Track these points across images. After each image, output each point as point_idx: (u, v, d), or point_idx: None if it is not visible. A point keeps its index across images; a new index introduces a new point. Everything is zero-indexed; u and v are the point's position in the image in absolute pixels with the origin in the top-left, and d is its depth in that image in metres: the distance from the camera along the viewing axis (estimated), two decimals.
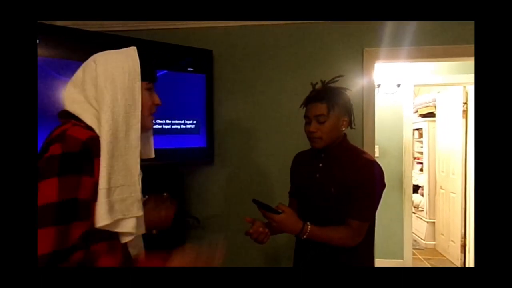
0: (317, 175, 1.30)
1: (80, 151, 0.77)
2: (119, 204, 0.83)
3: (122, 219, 0.84)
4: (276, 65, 2.30)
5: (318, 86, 1.32)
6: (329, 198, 1.26)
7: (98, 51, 0.91)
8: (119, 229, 0.84)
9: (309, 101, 1.29)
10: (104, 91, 0.83)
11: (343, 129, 1.29)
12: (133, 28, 2.25)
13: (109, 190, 0.81)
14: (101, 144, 0.81)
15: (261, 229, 1.24)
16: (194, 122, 2.18)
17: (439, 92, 3.96)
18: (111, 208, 0.81)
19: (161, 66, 2.05)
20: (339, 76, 1.34)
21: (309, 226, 1.18)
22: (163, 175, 1.99)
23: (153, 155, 1.01)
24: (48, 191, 0.73)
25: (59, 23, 1.77)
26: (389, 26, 2.20)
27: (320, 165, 1.31)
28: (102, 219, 0.79)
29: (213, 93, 2.27)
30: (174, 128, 2.10)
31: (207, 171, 2.34)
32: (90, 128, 0.82)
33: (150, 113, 0.94)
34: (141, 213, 0.88)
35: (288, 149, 1.52)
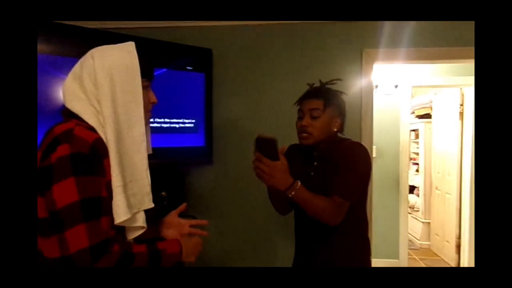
0: (312, 173, 1.32)
1: (89, 152, 0.78)
2: (132, 198, 0.85)
3: (136, 213, 0.86)
4: (276, 65, 2.30)
5: (316, 85, 1.35)
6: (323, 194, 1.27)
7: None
8: (134, 224, 0.86)
9: (305, 97, 1.30)
10: (103, 88, 0.82)
11: (334, 129, 1.30)
12: (133, 26, 2.24)
13: (124, 186, 0.82)
14: (107, 144, 0.81)
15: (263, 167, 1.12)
16: (193, 121, 2.18)
17: (435, 93, 3.99)
18: (128, 203, 0.83)
19: (160, 65, 2.04)
20: (337, 79, 1.36)
21: (298, 185, 1.14)
22: (162, 173, 1.99)
23: (150, 151, 1.00)
24: (68, 191, 0.74)
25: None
26: (388, 27, 2.21)
27: (315, 163, 1.32)
28: (123, 214, 0.81)
29: (212, 92, 2.27)
30: (172, 127, 2.10)
31: (205, 170, 2.34)
32: (92, 129, 0.82)
33: (147, 110, 0.93)
34: (152, 204, 0.90)
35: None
